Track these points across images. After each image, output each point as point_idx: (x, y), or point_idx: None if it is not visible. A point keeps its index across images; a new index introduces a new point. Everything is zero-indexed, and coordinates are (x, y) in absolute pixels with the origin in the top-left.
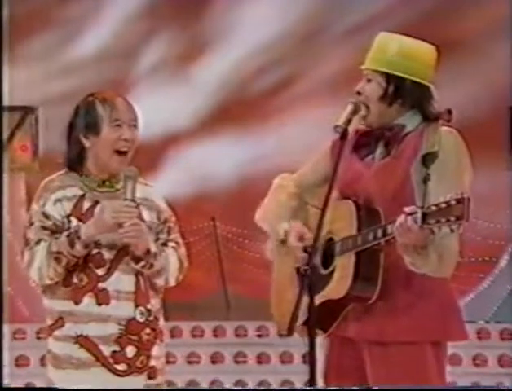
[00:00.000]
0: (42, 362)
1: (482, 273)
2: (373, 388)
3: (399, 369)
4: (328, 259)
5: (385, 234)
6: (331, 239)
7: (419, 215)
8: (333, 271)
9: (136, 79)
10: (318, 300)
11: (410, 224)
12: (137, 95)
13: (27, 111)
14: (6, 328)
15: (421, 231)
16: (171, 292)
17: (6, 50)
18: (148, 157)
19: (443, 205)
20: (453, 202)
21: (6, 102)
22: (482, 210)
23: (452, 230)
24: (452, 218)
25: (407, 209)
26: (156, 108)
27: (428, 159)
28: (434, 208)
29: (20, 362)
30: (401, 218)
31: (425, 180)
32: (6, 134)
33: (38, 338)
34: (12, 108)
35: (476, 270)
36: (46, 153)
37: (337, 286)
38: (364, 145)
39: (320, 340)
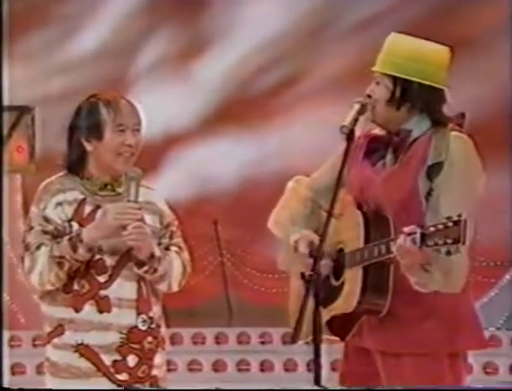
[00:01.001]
0: (39, 370)
1: (493, 278)
2: (375, 388)
3: (413, 380)
4: (339, 270)
5: (388, 251)
6: (341, 250)
7: (418, 236)
8: (343, 283)
9: (135, 77)
10: (330, 312)
11: (409, 245)
12: (136, 94)
13: (23, 110)
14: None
15: (421, 252)
16: (172, 297)
17: (4, 47)
18: (147, 158)
19: (441, 226)
20: (450, 224)
21: (4, 101)
22: (493, 213)
23: (448, 253)
24: (449, 241)
25: (406, 229)
26: (155, 107)
27: (433, 171)
28: (432, 229)
29: (16, 369)
30: (400, 239)
31: (428, 195)
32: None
33: (35, 345)
34: (8, 108)
35: (487, 275)
36: (43, 155)
37: (347, 300)
38: (375, 150)
39: (326, 348)
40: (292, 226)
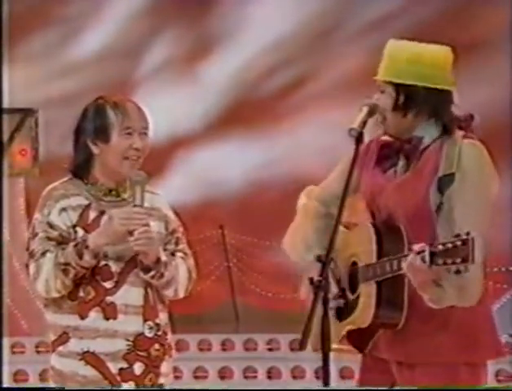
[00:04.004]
0: (41, 376)
1: (505, 283)
2: (378, 388)
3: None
4: (354, 283)
5: (399, 267)
6: (355, 263)
7: (427, 254)
8: (358, 297)
9: (141, 79)
10: (346, 326)
11: (419, 264)
12: (142, 96)
13: (26, 113)
14: (4, 342)
15: (430, 270)
16: (177, 303)
17: (5, 49)
18: (153, 161)
19: (450, 245)
20: (459, 243)
21: (4, 104)
22: (504, 218)
23: (458, 272)
24: (458, 260)
25: (415, 247)
26: (161, 110)
27: (443, 183)
28: (441, 247)
29: (19, 377)
30: (410, 257)
31: (438, 209)
32: (4, 138)
33: (38, 352)
34: (11, 110)
35: (499, 280)
36: (47, 158)
37: (363, 314)
38: (386, 157)
39: (333, 356)
40: (306, 250)
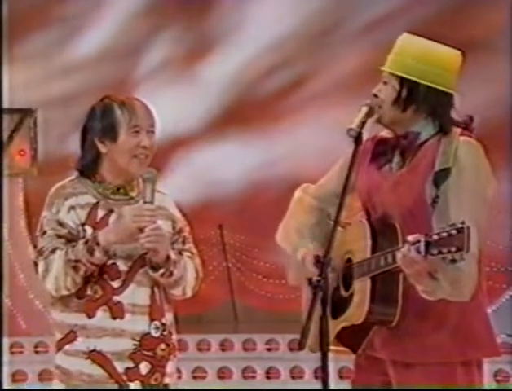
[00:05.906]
0: (40, 377)
1: (504, 283)
2: (377, 388)
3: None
4: (348, 281)
5: (394, 260)
6: (350, 260)
7: (422, 244)
8: (352, 294)
9: (140, 79)
10: (340, 324)
11: (413, 255)
12: (141, 96)
13: (25, 113)
14: (3, 342)
15: (426, 261)
16: (176, 303)
17: (5, 49)
18: (153, 161)
19: (445, 234)
20: (454, 231)
21: (4, 103)
22: (503, 218)
23: (453, 261)
24: (453, 249)
25: (410, 238)
26: (160, 110)
27: (439, 177)
28: (435, 237)
29: (17, 377)
30: (405, 249)
31: (433, 203)
32: (3, 138)
33: (37, 352)
34: (10, 111)
35: (498, 280)
36: (45, 158)
37: (357, 311)
38: (381, 153)
39: (333, 355)
40: (299, 239)
